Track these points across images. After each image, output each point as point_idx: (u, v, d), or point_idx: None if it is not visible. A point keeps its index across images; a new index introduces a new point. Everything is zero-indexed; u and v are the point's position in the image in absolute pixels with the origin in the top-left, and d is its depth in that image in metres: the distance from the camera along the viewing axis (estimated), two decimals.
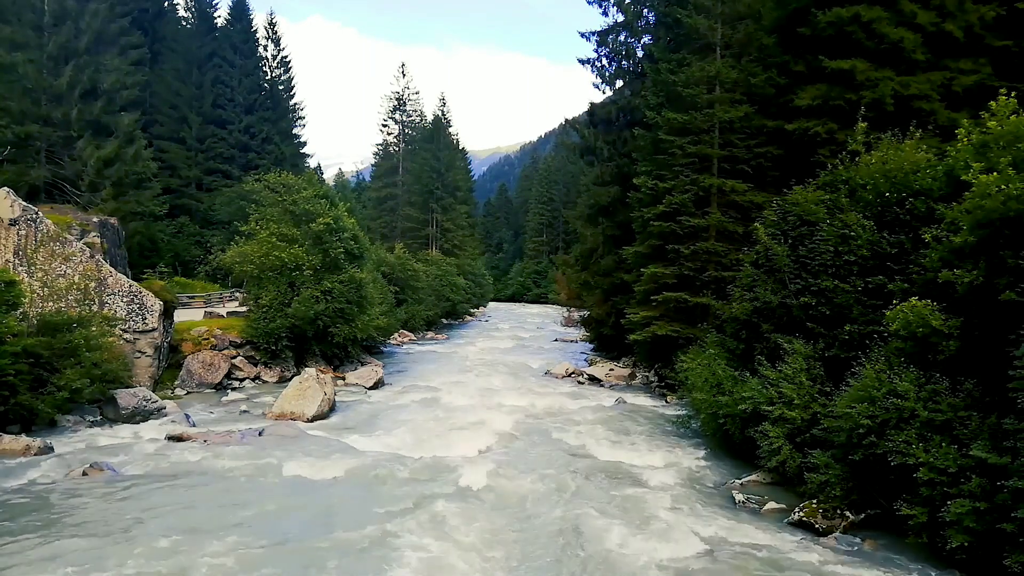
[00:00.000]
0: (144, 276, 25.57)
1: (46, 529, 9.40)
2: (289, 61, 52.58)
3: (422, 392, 22.06)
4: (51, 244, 18.37)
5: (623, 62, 30.23)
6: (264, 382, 22.71)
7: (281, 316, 22.92)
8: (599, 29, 29.84)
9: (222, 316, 26.37)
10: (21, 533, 9.21)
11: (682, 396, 18.48)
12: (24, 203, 18.60)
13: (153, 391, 18.47)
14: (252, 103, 47.49)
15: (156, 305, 19.61)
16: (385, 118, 70.05)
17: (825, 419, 11.00)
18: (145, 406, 16.66)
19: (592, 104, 31.82)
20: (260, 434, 15.32)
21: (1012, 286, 8.79)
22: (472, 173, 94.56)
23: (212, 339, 22.62)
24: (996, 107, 10.26)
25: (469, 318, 62.51)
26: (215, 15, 49.96)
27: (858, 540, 9.89)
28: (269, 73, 51.01)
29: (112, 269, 19.78)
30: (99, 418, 16.23)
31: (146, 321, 19.41)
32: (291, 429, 16.15)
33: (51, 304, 17.02)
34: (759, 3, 20.83)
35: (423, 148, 65.90)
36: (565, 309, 49.11)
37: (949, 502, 8.47)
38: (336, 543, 9.22)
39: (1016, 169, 9.27)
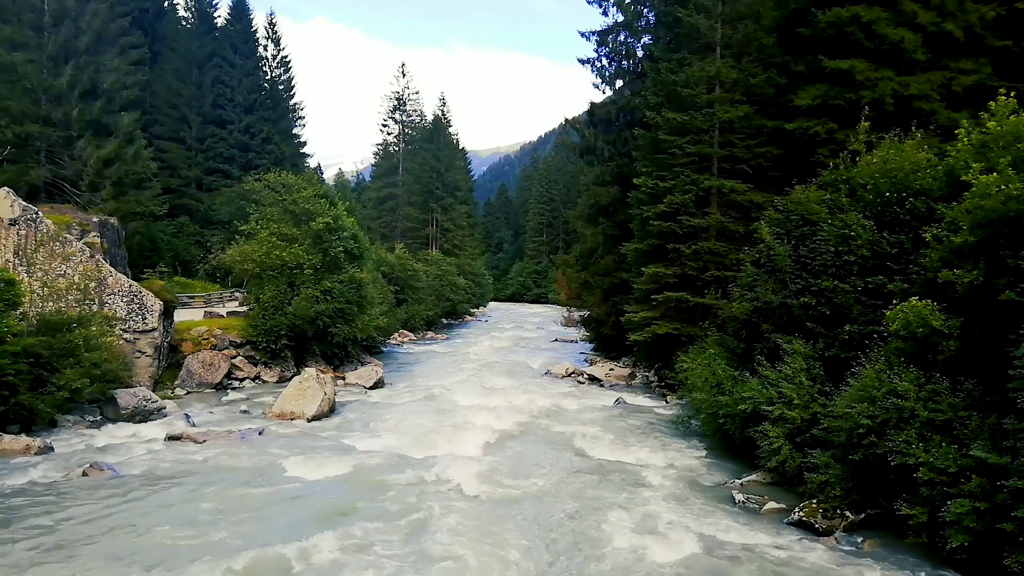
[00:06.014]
0: (144, 276, 25.57)
1: (46, 529, 9.40)
2: (289, 61, 52.65)
3: (422, 392, 22.06)
4: (51, 244, 18.37)
5: (623, 62, 30.23)
6: (264, 382, 22.71)
7: (281, 315, 22.94)
8: (599, 29, 29.89)
9: (222, 316, 26.36)
10: (21, 533, 9.21)
11: (682, 396, 18.47)
12: (24, 203, 18.60)
13: (153, 391, 18.47)
14: (252, 103, 47.48)
15: (156, 305, 19.61)
16: (385, 118, 70.22)
17: (825, 419, 11.00)
18: (145, 406, 16.66)
19: (592, 104, 31.82)
20: (260, 434, 15.33)
21: (1012, 286, 8.79)
22: (472, 173, 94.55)
23: (212, 339, 22.62)
24: (996, 107, 10.27)
25: (469, 318, 62.50)
26: (215, 15, 49.98)
27: (858, 540, 9.89)
28: (269, 73, 51.03)
29: (112, 269, 19.78)
30: (99, 418, 16.23)
31: (146, 321, 19.41)
32: (291, 429, 16.17)
33: (51, 304, 17.01)
34: (759, 3, 20.82)
35: (423, 148, 65.95)
36: (565, 309, 49.04)
37: (949, 502, 8.47)
38: (336, 543, 9.21)
39: (1016, 169, 9.27)
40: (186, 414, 17.06)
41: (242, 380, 22.26)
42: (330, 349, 25.44)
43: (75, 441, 14.29)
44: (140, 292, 19.57)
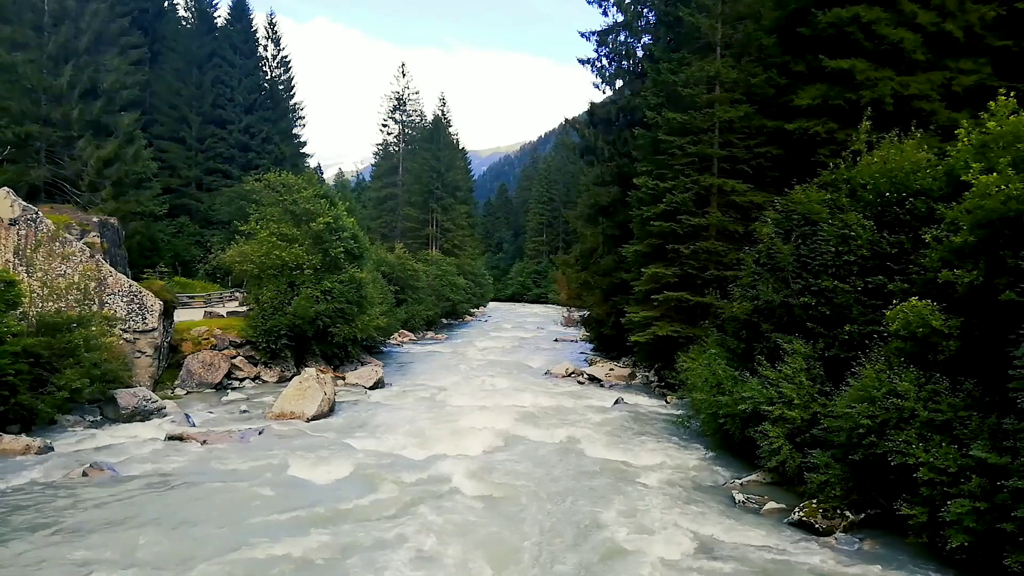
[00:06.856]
0: (144, 276, 25.56)
1: (46, 529, 9.40)
2: (289, 61, 52.68)
3: (422, 392, 22.07)
4: (51, 244, 18.36)
5: (623, 62, 30.23)
6: (264, 382, 22.71)
7: (281, 315, 22.95)
8: (599, 29, 29.91)
9: (222, 316, 26.37)
10: (21, 533, 9.21)
11: (682, 396, 18.48)
12: (24, 203, 18.61)
13: (153, 391, 18.47)
14: (252, 103, 47.51)
15: (156, 305, 19.61)
16: (385, 118, 70.19)
17: (825, 419, 10.99)
18: (145, 406, 16.66)
19: (592, 104, 31.82)
20: (260, 434, 15.33)
21: (1012, 286, 8.79)
22: (472, 173, 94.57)
23: (212, 339, 22.62)
24: (996, 107, 10.27)
25: (469, 318, 62.47)
26: (215, 15, 49.99)
27: (858, 540, 9.89)
28: (269, 73, 51.07)
29: (112, 269, 19.78)
30: (99, 418, 16.24)
31: (146, 321, 19.41)
32: (291, 429, 16.17)
33: (51, 304, 17.01)
34: (759, 3, 20.82)
35: (423, 148, 65.94)
36: (565, 309, 49.05)
37: (949, 502, 8.47)
38: (336, 543, 9.22)
39: (1016, 169, 9.27)
40: (186, 414, 17.06)
41: (242, 380, 22.26)
42: (330, 349, 25.44)
43: (75, 441, 14.28)
44: (140, 292, 19.57)
